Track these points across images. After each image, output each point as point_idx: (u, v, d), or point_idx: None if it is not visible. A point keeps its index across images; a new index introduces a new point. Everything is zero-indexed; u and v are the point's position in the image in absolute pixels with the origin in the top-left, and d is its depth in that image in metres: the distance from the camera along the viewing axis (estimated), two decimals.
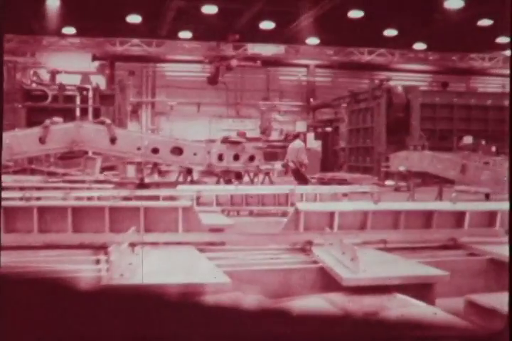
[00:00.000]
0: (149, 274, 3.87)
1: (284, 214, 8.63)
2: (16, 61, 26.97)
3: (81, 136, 11.95)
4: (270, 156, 21.72)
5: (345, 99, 29.20)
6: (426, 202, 8.79)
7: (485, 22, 28.44)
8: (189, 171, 12.90)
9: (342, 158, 28.36)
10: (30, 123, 18.55)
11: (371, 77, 32.27)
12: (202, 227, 5.34)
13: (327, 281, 4.23)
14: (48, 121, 12.10)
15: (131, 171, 16.87)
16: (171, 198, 8.33)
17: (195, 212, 5.43)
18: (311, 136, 30.28)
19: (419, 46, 33.65)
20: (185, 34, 31.54)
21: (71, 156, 16.18)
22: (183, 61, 32.88)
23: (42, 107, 22.20)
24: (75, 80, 26.18)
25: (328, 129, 31.04)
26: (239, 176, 12.82)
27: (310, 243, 4.92)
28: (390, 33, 30.65)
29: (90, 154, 15.24)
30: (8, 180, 11.08)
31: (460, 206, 5.71)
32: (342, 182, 17.39)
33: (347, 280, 3.92)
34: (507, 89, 33.48)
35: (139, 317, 2.33)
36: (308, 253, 4.83)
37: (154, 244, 4.83)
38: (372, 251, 4.90)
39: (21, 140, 11.65)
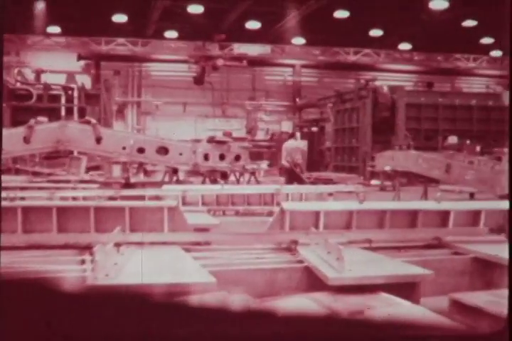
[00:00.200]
0: (134, 274, 3.86)
1: (270, 213, 8.63)
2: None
3: (66, 135, 11.88)
4: (256, 156, 21.74)
5: (331, 98, 29.26)
6: (411, 201, 8.82)
7: (469, 23, 28.62)
8: (175, 171, 12.87)
9: (328, 157, 28.41)
10: (15, 123, 18.41)
11: (357, 77, 32.32)
12: (187, 227, 5.34)
13: (312, 281, 4.25)
14: (32, 121, 12.02)
15: (116, 171, 16.79)
16: (157, 198, 8.31)
17: (181, 211, 5.43)
18: (297, 135, 30.30)
19: (404, 46, 33.79)
20: (171, 33, 31.46)
21: (56, 156, 16.09)
22: (169, 61, 32.78)
23: (27, 107, 22.04)
24: (60, 80, 26.01)
25: (314, 129, 31.06)
26: (225, 176, 12.81)
27: (295, 242, 4.93)
28: (376, 33, 30.74)
29: (75, 154, 15.16)
30: None
31: (445, 205, 5.75)
32: (328, 181, 17.41)
33: (332, 280, 3.93)
34: (491, 90, 33.79)
35: (124, 317, 2.32)
36: (293, 253, 4.83)
37: (139, 243, 4.82)
38: (357, 250, 4.92)
39: (6, 139, 11.57)
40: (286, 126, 32.91)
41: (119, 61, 31.87)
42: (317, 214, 5.34)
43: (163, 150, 12.28)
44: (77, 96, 23.59)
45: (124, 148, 12.12)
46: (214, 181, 12.31)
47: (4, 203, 5.27)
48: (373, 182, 20.05)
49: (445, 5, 25.72)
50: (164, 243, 4.94)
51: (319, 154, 30.07)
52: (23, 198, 6.59)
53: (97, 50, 30.92)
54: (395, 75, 34.00)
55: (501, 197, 9.84)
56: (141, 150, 12.14)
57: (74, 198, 7.86)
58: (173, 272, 4.06)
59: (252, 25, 29.70)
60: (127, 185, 12.24)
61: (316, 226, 5.28)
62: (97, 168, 16.94)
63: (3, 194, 6.10)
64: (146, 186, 11.91)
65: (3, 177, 12.19)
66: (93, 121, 12.71)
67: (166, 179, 13.00)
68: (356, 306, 3.60)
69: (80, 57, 30.84)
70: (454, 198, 11.73)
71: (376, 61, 33.99)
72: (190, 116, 33.42)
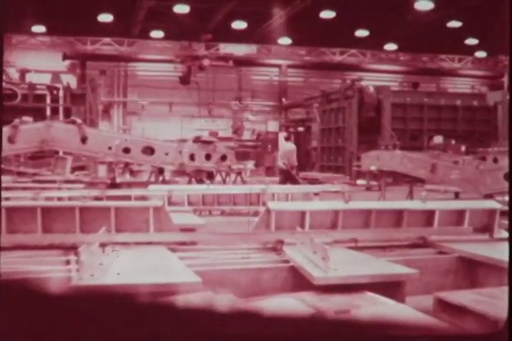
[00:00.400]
0: (120, 274, 3.85)
1: (256, 213, 8.63)
2: None
3: (51, 135, 11.82)
4: (242, 156, 21.73)
5: (317, 98, 29.32)
6: (396, 201, 8.86)
7: (454, 24, 28.78)
8: (161, 171, 12.85)
9: (314, 157, 28.47)
10: None
11: (343, 77, 32.42)
12: (173, 227, 5.33)
13: (298, 280, 4.25)
14: (17, 121, 11.94)
15: (102, 171, 16.74)
16: (143, 198, 8.29)
17: (167, 211, 5.42)
18: (282, 135, 30.34)
19: (390, 47, 33.92)
20: (157, 33, 31.37)
21: (41, 156, 16.00)
22: (155, 60, 32.69)
23: (11, 106, 21.87)
24: (45, 79, 25.87)
25: (300, 129, 31.12)
26: (211, 176, 12.81)
27: (281, 242, 4.94)
28: (362, 33, 30.81)
29: (61, 154, 15.08)
30: None
31: (430, 205, 5.78)
32: (314, 181, 17.46)
33: (318, 279, 3.94)
34: (476, 90, 34.03)
35: (110, 317, 2.32)
36: (279, 253, 4.84)
37: (125, 244, 4.81)
38: (343, 250, 4.93)
39: None
40: (273, 126, 32.93)
41: (104, 61, 31.72)
42: (303, 213, 5.35)
43: (149, 150, 12.26)
44: (62, 96, 23.46)
45: (109, 148, 12.08)
46: (200, 181, 12.30)
47: None
48: (359, 181, 20.14)
49: (430, 6, 25.84)
50: (150, 243, 4.93)
51: (305, 154, 30.12)
52: (7, 198, 6.54)
53: (82, 50, 30.78)
54: (381, 75, 34.12)
55: (486, 197, 9.92)
56: (126, 150, 12.11)
57: (59, 198, 7.82)
58: (158, 272, 4.05)
59: (238, 25, 29.67)
60: (113, 185, 12.20)
61: (302, 226, 5.29)
62: (82, 168, 16.86)
63: None
64: (132, 186, 11.88)
65: None
66: (78, 121, 12.65)
67: (152, 179, 12.97)
68: (342, 305, 3.62)
69: (65, 57, 30.66)
70: (439, 198, 11.80)
71: (362, 61, 34.11)
72: (176, 116, 33.33)
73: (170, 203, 8.37)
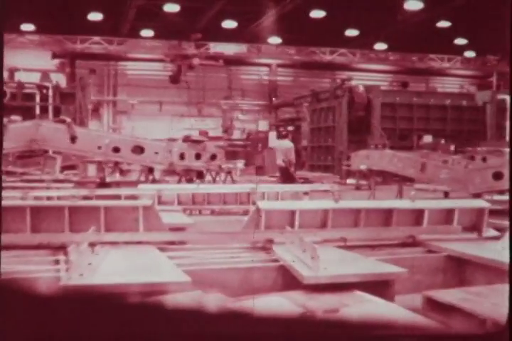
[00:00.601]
0: (109, 274, 3.85)
1: (246, 212, 8.63)
2: None
3: (40, 134, 11.77)
4: (232, 155, 21.74)
5: (307, 98, 29.36)
6: (386, 200, 8.88)
7: (443, 24, 28.90)
8: (150, 170, 12.81)
9: (304, 156, 28.50)
10: None
11: (333, 77, 32.52)
12: (162, 226, 5.32)
13: (288, 280, 4.26)
14: (5, 120, 11.88)
15: (91, 170, 16.67)
16: (132, 197, 8.26)
17: (156, 211, 5.40)
18: (272, 134, 30.35)
19: (379, 46, 33.97)
20: (146, 32, 31.29)
21: (30, 155, 15.93)
22: (145, 59, 32.64)
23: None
24: (35, 78, 25.75)
25: (290, 128, 31.14)
26: (200, 175, 12.79)
27: (271, 241, 4.94)
28: (352, 33, 30.86)
29: (50, 153, 15.02)
30: None
31: (419, 204, 5.80)
32: (303, 180, 17.46)
33: (307, 279, 3.95)
34: (465, 90, 34.18)
35: (99, 317, 2.31)
36: (268, 252, 4.84)
37: (114, 243, 4.80)
38: (332, 249, 4.94)
39: None
40: (263, 126, 32.93)
41: (94, 60, 31.60)
42: (292, 213, 5.35)
43: (138, 150, 12.22)
44: (51, 95, 23.41)
45: (99, 147, 12.03)
46: (190, 180, 12.28)
47: None
48: (349, 181, 20.16)
49: (420, 6, 25.94)
50: (139, 242, 4.92)
51: (295, 153, 30.11)
52: None
53: (71, 49, 30.62)
54: (371, 75, 34.23)
55: (474, 196, 9.96)
56: (116, 150, 12.06)
57: (48, 198, 7.78)
58: (148, 272, 4.04)
59: (228, 24, 29.65)
60: (102, 184, 12.15)
61: (292, 225, 5.29)
62: (71, 167, 16.79)
63: None
64: (121, 185, 11.83)
65: None
66: (68, 120, 12.62)
67: (142, 178, 12.94)
68: (331, 305, 3.62)
69: (54, 56, 30.55)
70: (428, 197, 11.84)
71: (352, 61, 34.15)
72: (166, 115, 33.26)
73: (160, 202, 8.36)
